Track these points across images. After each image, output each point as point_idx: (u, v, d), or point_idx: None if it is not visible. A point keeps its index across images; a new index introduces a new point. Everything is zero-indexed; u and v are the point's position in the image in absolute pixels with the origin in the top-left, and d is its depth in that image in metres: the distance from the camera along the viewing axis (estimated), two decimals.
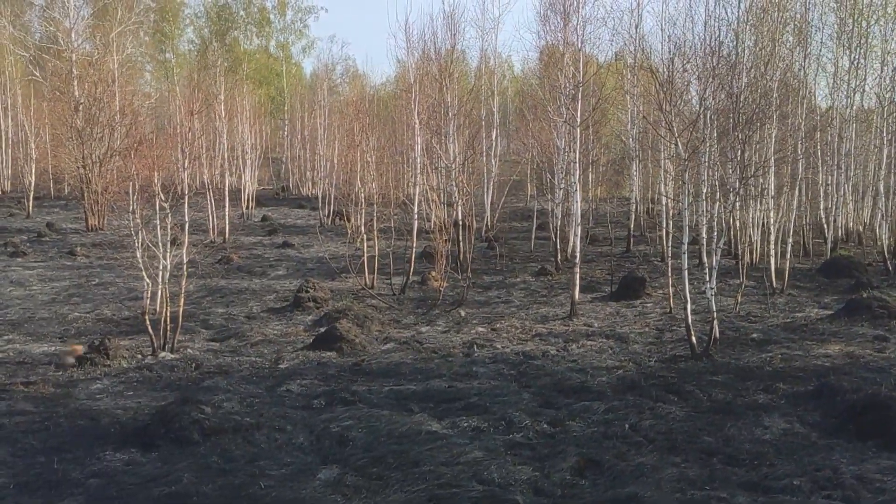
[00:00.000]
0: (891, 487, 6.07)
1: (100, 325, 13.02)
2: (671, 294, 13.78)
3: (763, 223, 17.63)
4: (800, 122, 18.41)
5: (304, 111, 43.07)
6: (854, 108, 22.56)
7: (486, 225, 27.09)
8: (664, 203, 19.91)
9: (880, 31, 22.99)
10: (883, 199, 20.98)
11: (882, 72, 22.42)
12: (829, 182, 21.70)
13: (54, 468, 6.62)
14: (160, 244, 11.11)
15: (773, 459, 6.69)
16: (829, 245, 20.67)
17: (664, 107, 11.00)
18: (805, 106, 19.27)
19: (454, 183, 18.65)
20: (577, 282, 13.95)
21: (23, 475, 6.49)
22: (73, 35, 31.10)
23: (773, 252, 16.22)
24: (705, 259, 11.10)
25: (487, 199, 28.21)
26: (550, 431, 7.52)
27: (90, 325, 13.10)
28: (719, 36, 12.97)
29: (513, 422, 7.71)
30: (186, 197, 12.58)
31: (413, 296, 15.81)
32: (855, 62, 22.10)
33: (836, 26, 22.42)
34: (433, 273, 16.17)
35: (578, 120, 14.88)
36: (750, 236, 17.86)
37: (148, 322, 10.86)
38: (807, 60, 19.74)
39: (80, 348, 10.69)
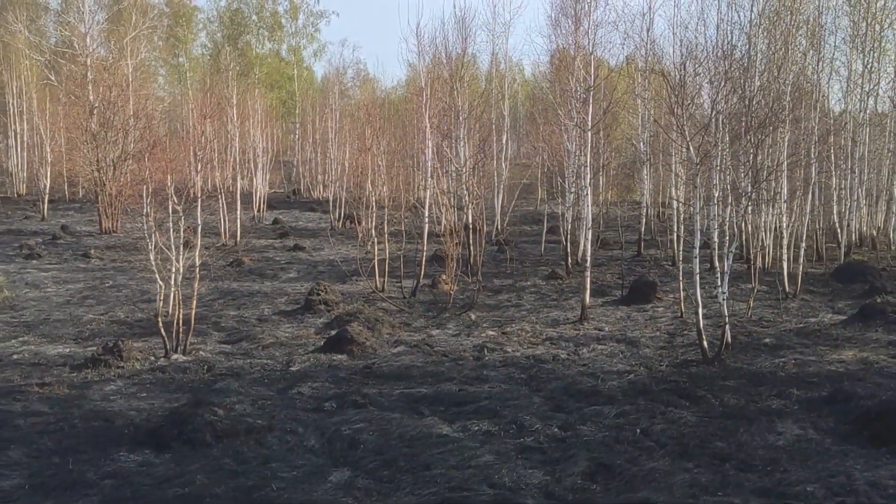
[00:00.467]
0: None
1: (113, 327, 13.11)
2: (682, 298, 13.73)
3: (775, 227, 17.55)
4: (813, 125, 18.32)
5: (316, 115, 43.25)
6: (867, 111, 22.43)
7: (497, 228, 27.09)
8: (675, 207, 19.87)
9: (894, 34, 22.88)
10: None
11: None
12: (843, 186, 21.57)
13: (69, 469, 6.68)
14: (173, 247, 11.18)
15: (787, 465, 6.67)
16: (842, 249, 20.54)
17: (676, 110, 10.98)
18: (818, 109, 19.18)
19: (464, 186, 18.66)
20: (588, 285, 13.93)
21: (38, 476, 6.55)
22: (88, 40, 31.37)
23: (785, 256, 16.14)
24: (717, 263, 11.06)
25: (498, 203, 28.21)
26: (561, 435, 7.52)
27: (104, 326, 13.18)
28: (731, 39, 12.94)
29: (523, 425, 7.71)
30: (199, 200, 12.64)
31: (423, 299, 15.83)
32: (868, 66, 21.97)
33: (849, 30, 22.30)
34: (443, 276, 16.19)
35: (589, 123, 14.87)
36: (762, 240, 17.78)
37: (161, 324, 10.93)
38: (820, 64, 19.64)
39: None
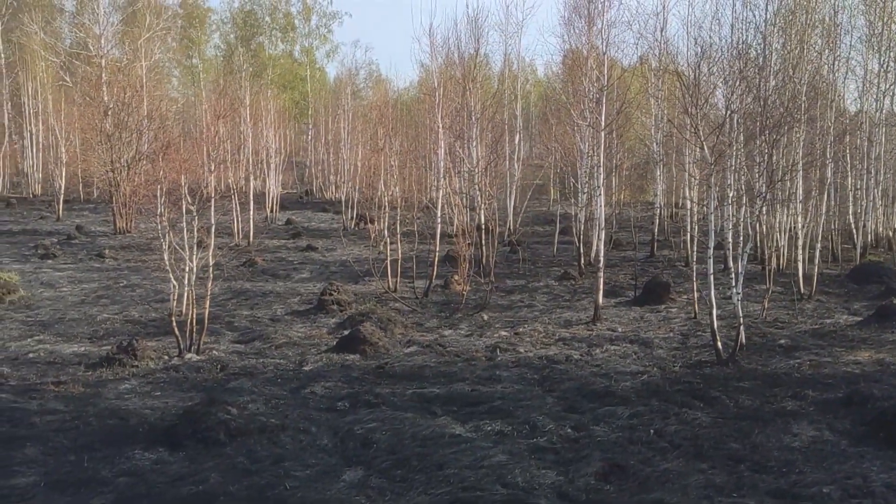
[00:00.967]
0: None
1: (127, 327, 13.18)
2: (696, 299, 13.66)
3: (790, 228, 17.43)
4: (829, 125, 18.18)
5: (328, 115, 43.37)
6: (883, 111, 22.24)
7: (509, 229, 27.06)
8: (689, 207, 19.78)
9: None
10: None
11: None
12: (859, 186, 21.40)
13: (84, 466, 6.72)
14: (186, 247, 11.24)
15: (802, 467, 6.62)
16: (858, 250, 20.38)
17: (690, 110, 10.93)
18: (834, 109, 19.04)
19: (477, 187, 18.66)
20: (601, 286, 13.88)
21: (53, 473, 6.60)
22: (102, 41, 31.59)
23: (800, 257, 16.03)
24: (731, 264, 11.01)
25: (510, 204, 28.17)
26: (574, 436, 7.50)
27: (118, 326, 13.27)
28: (746, 38, 12.86)
29: (536, 426, 7.69)
30: (213, 200, 12.69)
31: (436, 299, 15.83)
32: (884, 65, 21.79)
33: (865, 29, 22.13)
34: (456, 277, 16.19)
35: (603, 124, 14.82)
36: (777, 241, 17.66)
37: (174, 324, 10.98)
38: (836, 63, 19.49)
39: None
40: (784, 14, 17.19)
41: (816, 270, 16.06)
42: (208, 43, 59.24)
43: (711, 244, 11.10)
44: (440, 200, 17.58)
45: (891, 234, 23.33)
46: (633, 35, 25.14)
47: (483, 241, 17.80)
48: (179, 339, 10.98)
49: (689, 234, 18.27)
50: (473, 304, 14.98)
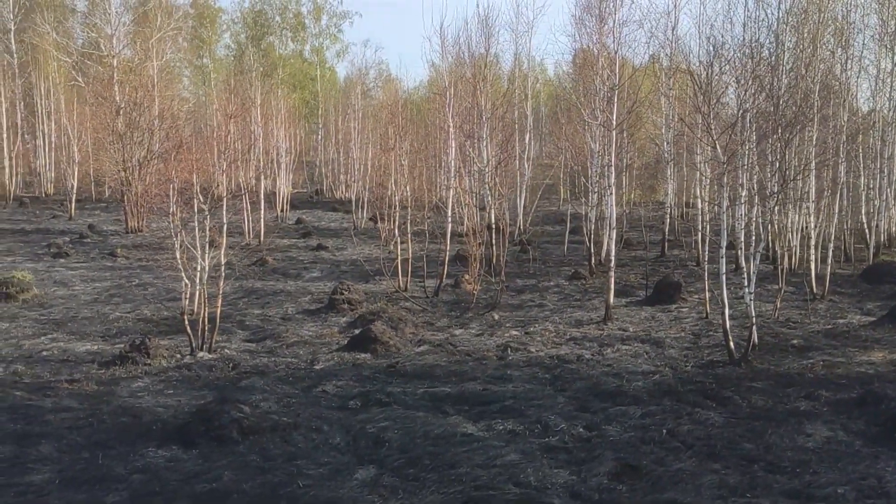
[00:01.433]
0: None
1: (140, 325, 13.25)
2: (707, 299, 13.61)
3: (803, 228, 17.34)
4: (841, 124, 18.07)
5: (338, 115, 43.39)
6: None
7: (520, 228, 27.03)
8: (700, 207, 19.70)
9: None
10: None
11: None
12: (872, 186, 21.26)
13: (98, 463, 6.76)
14: (198, 246, 11.28)
15: (816, 467, 6.59)
16: (871, 250, 20.25)
17: (702, 109, 10.89)
18: (846, 108, 18.92)
19: (487, 186, 18.64)
20: (612, 286, 13.85)
21: (68, 470, 6.64)
22: (114, 41, 31.74)
23: (813, 257, 15.94)
24: (743, 264, 10.96)
25: (520, 203, 28.14)
26: (586, 435, 7.49)
27: (131, 324, 13.34)
28: (759, 37, 12.81)
29: (548, 425, 7.69)
30: (225, 200, 12.74)
31: (446, 299, 15.83)
32: None
33: (878, 28, 21.96)
34: (466, 276, 16.18)
35: (614, 122, 14.78)
36: (789, 241, 17.57)
37: (187, 322, 11.03)
38: (848, 62, 19.37)
39: None
40: (796, 12, 17.10)
41: (829, 270, 15.97)
42: (219, 43, 59.41)
43: (724, 244, 11.05)
44: (451, 200, 17.58)
45: None
46: (644, 34, 25.03)
47: (493, 241, 17.78)
48: (192, 337, 11.03)
49: (700, 234, 18.20)
50: (484, 303, 14.98)
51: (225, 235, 12.01)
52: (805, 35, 16.83)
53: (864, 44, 21.59)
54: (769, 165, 12.48)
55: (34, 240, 24.72)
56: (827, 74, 17.69)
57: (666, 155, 22.98)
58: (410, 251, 17.15)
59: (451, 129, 17.76)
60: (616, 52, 15.19)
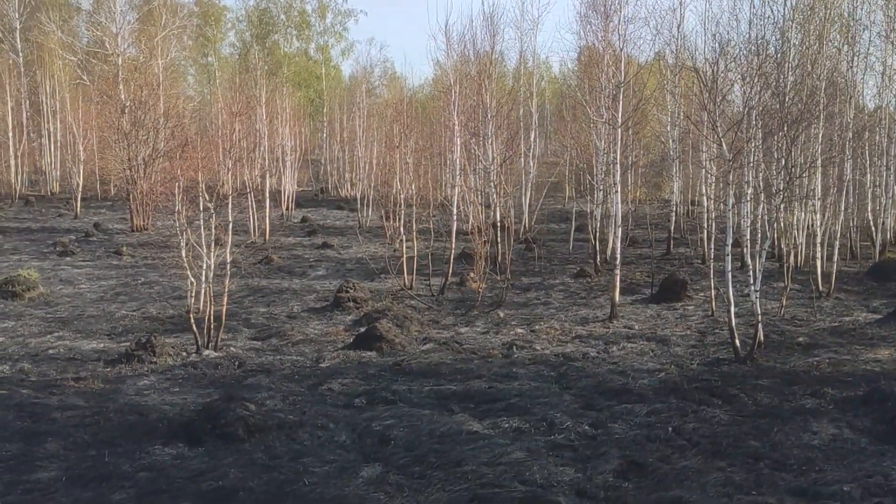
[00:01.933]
0: None
1: (146, 323, 13.28)
2: (713, 297, 13.58)
3: (809, 225, 17.29)
4: (847, 122, 18.01)
5: (343, 113, 43.39)
6: None
7: (525, 226, 27.00)
8: (705, 205, 19.66)
9: None
10: None
11: None
12: (878, 183, 21.18)
13: (105, 461, 6.78)
14: (204, 244, 11.30)
15: (822, 465, 6.57)
16: (877, 248, 20.19)
17: (708, 107, 10.86)
18: (852, 105, 18.85)
19: (492, 184, 18.63)
20: (618, 283, 13.83)
21: (75, 468, 6.66)
22: (119, 40, 31.82)
23: (819, 255, 15.89)
24: (749, 261, 10.93)
25: (526, 201, 28.09)
26: (592, 433, 7.48)
27: (136, 322, 13.37)
28: (764, 34, 12.76)
29: (554, 423, 7.69)
30: (230, 198, 12.76)
31: (452, 297, 15.84)
32: None
33: (884, 24, 21.87)
34: (472, 274, 16.17)
35: (619, 120, 14.76)
36: (795, 238, 17.52)
37: (192, 320, 11.05)
38: (855, 59, 19.29)
39: None
40: (802, 9, 17.03)
41: (835, 268, 15.93)
42: (224, 41, 59.54)
43: (729, 241, 11.03)
44: (456, 198, 17.57)
45: None
46: (649, 31, 25.02)
47: (499, 239, 17.79)
48: (197, 335, 11.05)
49: (705, 232, 18.18)
50: (489, 301, 14.98)
51: (230, 234, 12.03)
52: (811, 32, 16.77)
53: (870, 40, 21.50)
54: (775, 163, 12.46)
55: (40, 238, 24.80)
56: (833, 71, 17.61)
57: (671, 152, 22.94)
58: (416, 249, 17.16)
59: (456, 127, 17.75)
60: (621, 50, 15.16)
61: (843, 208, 18.20)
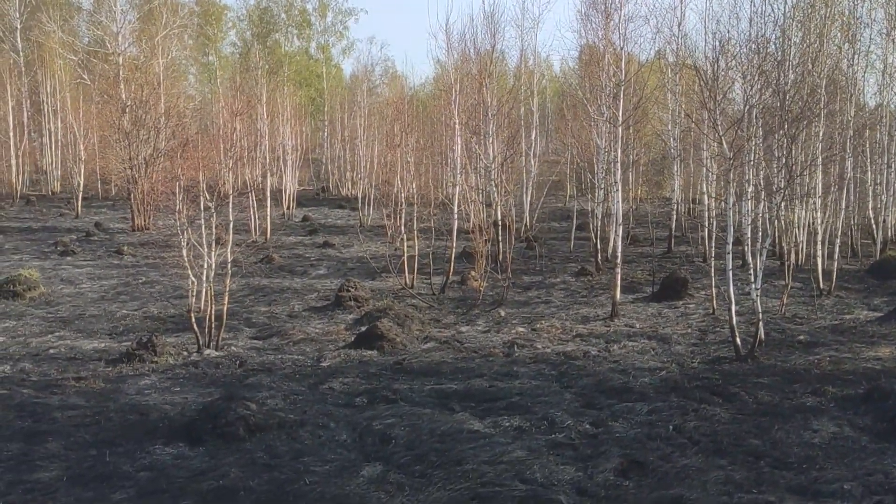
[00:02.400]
0: None
1: (147, 323, 13.29)
2: (714, 295, 13.58)
3: (809, 223, 17.29)
4: (848, 120, 17.99)
5: (344, 112, 43.36)
6: None
7: (526, 225, 27.00)
8: (706, 203, 19.65)
9: None
10: None
11: None
12: (879, 181, 21.17)
13: (106, 461, 6.78)
14: (205, 243, 11.31)
15: (823, 463, 6.57)
16: (878, 246, 20.17)
17: (709, 105, 10.85)
18: (853, 103, 18.84)
19: (493, 183, 18.63)
20: (619, 282, 13.83)
21: (75, 467, 6.67)
22: (119, 39, 31.80)
23: (820, 253, 15.88)
24: (749, 260, 10.92)
25: (527, 200, 28.09)
26: (593, 432, 7.48)
27: (137, 322, 13.38)
28: (765, 33, 12.74)
29: (555, 422, 7.69)
30: (231, 197, 12.76)
31: (453, 295, 15.84)
32: None
33: (884, 22, 21.84)
34: (473, 273, 16.19)
35: (620, 119, 14.74)
36: (796, 237, 17.51)
37: (193, 320, 11.06)
38: (855, 57, 19.27)
39: None
40: (803, 7, 17.01)
41: (836, 266, 15.92)
42: (224, 40, 59.48)
43: (730, 240, 11.02)
44: (457, 197, 17.56)
45: None
46: (650, 29, 24.93)
47: (499, 238, 17.78)
48: (198, 335, 11.06)
49: (706, 230, 18.17)
50: (490, 300, 14.98)
51: (231, 233, 12.04)
52: (812, 30, 16.75)
53: (871, 38, 21.50)
54: (776, 161, 12.44)
55: (41, 238, 24.81)
56: (833, 69, 17.60)
57: (672, 151, 22.93)
58: (417, 248, 17.16)
59: (456, 126, 17.75)
60: (622, 48, 15.15)
61: (843, 206, 18.19)
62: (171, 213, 11.95)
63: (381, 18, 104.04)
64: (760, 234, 11.12)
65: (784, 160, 11.79)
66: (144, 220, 27.68)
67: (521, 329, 12.72)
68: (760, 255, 10.90)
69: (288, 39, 59.20)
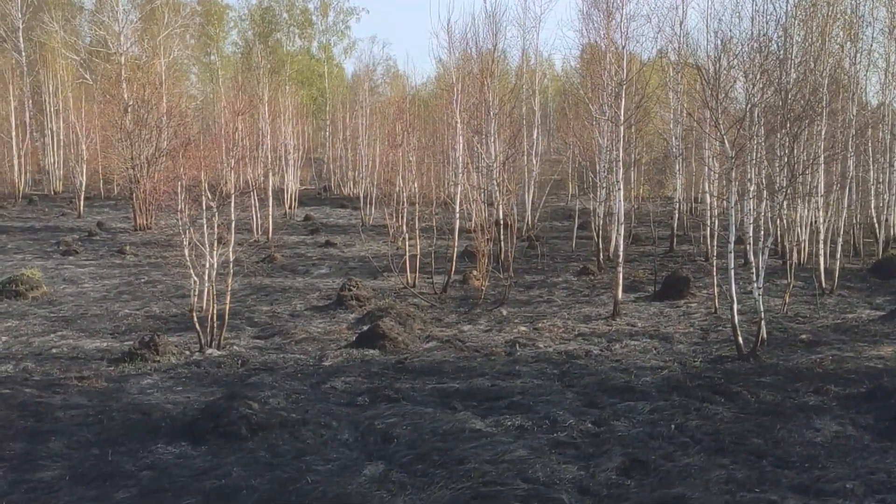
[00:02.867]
0: None
1: (149, 322, 13.31)
2: (716, 294, 13.58)
3: (811, 222, 17.28)
4: (850, 118, 17.97)
5: (346, 111, 43.39)
6: None
7: (528, 224, 27.01)
8: (708, 202, 19.64)
9: None
10: None
11: None
12: (881, 180, 21.15)
13: (108, 460, 6.79)
14: (206, 243, 11.32)
15: (825, 462, 6.56)
16: (880, 245, 20.16)
17: (710, 104, 10.84)
18: (855, 102, 18.82)
19: (495, 182, 18.63)
20: (620, 281, 13.83)
21: (78, 467, 6.67)
22: (121, 39, 31.85)
23: (822, 252, 15.87)
24: (752, 259, 10.92)
25: (528, 199, 28.10)
26: (595, 431, 7.48)
27: (140, 321, 13.39)
28: (767, 31, 12.74)
29: (557, 421, 7.68)
30: (233, 197, 12.78)
31: (455, 295, 15.84)
32: None
33: (887, 21, 21.81)
34: (474, 272, 16.18)
35: (622, 118, 14.74)
36: (798, 235, 17.50)
37: (195, 319, 11.07)
38: (857, 56, 19.25)
39: None
40: (805, 6, 16.99)
41: (838, 265, 15.91)
42: (226, 40, 59.56)
43: (732, 239, 11.02)
44: (458, 196, 17.56)
45: None
46: (651, 28, 25.05)
47: (501, 237, 17.78)
48: (200, 334, 11.07)
49: (708, 229, 18.16)
50: (492, 299, 14.98)
51: (233, 232, 12.05)
52: (814, 28, 16.73)
53: (873, 37, 21.47)
54: (778, 160, 12.42)
55: (43, 237, 24.85)
56: (836, 68, 17.58)
57: (674, 150, 22.92)
58: (418, 247, 17.17)
59: (458, 126, 17.75)
60: (624, 47, 15.15)
61: (845, 205, 18.17)
62: (173, 213, 11.95)
63: (383, 18, 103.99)
64: (762, 232, 11.12)
65: (786, 159, 11.76)
66: (146, 220, 27.71)
67: (522, 328, 12.72)
68: (762, 253, 10.90)
69: (289, 39, 59.27)
